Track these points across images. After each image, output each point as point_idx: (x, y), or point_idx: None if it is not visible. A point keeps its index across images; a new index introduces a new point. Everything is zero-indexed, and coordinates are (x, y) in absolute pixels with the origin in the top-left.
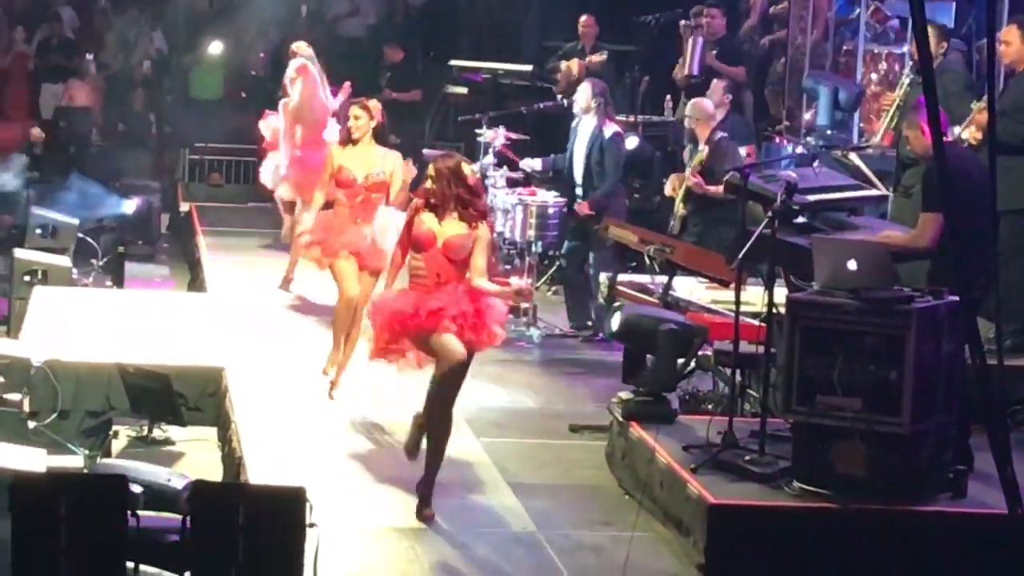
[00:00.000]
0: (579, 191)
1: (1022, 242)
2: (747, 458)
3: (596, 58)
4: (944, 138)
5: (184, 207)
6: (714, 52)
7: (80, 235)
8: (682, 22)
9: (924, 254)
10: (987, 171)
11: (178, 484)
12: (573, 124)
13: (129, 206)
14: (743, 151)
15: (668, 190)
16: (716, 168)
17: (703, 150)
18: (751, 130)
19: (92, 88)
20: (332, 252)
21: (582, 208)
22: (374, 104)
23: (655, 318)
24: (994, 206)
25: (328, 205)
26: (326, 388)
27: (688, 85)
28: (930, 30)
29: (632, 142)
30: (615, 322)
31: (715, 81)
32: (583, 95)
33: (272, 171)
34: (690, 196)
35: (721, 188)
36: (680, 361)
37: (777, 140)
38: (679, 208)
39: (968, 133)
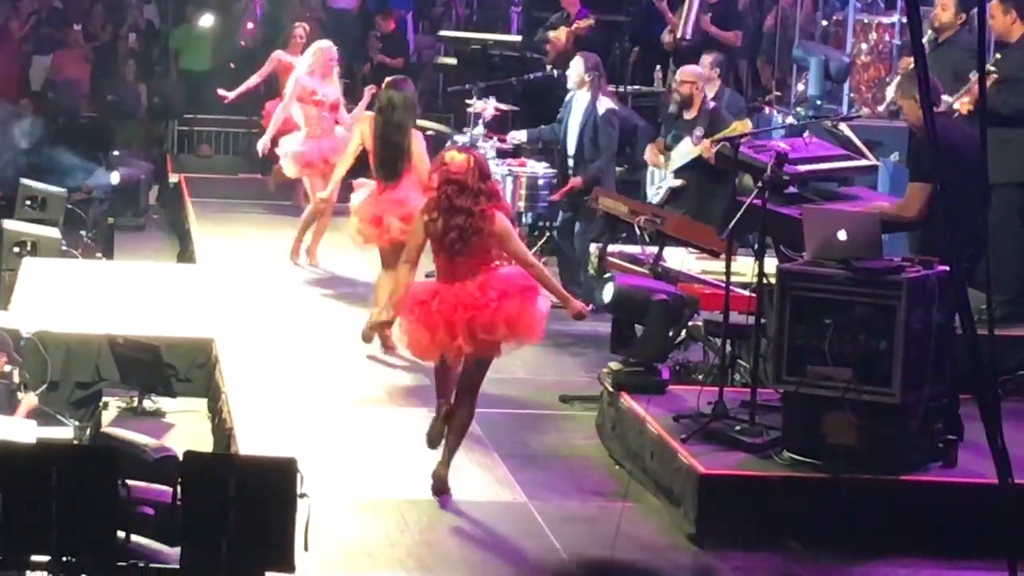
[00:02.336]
0: (571, 163)
1: (1014, 214)
2: (737, 428)
3: (583, 23)
4: (936, 108)
5: (173, 178)
6: (708, 16)
7: (69, 206)
8: None
9: (911, 224)
10: (977, 142)
11: (154, 455)
12: (567, 99)
13: (114, 176)
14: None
15: (649, 158)
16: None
17: (698, 125)
18: (743, 106)
19: (80, 59)
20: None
21: (575, 183)
22: None
23: (647, 288)
24: (985, 177)
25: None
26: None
27: (676, 50)
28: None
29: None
30: (607, 293)
31: (704, 56)
32: (576, 70)
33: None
34: (687, 167)
35: None
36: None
37: (767, 110)
38: (669, 179)
39: (960, 104)
